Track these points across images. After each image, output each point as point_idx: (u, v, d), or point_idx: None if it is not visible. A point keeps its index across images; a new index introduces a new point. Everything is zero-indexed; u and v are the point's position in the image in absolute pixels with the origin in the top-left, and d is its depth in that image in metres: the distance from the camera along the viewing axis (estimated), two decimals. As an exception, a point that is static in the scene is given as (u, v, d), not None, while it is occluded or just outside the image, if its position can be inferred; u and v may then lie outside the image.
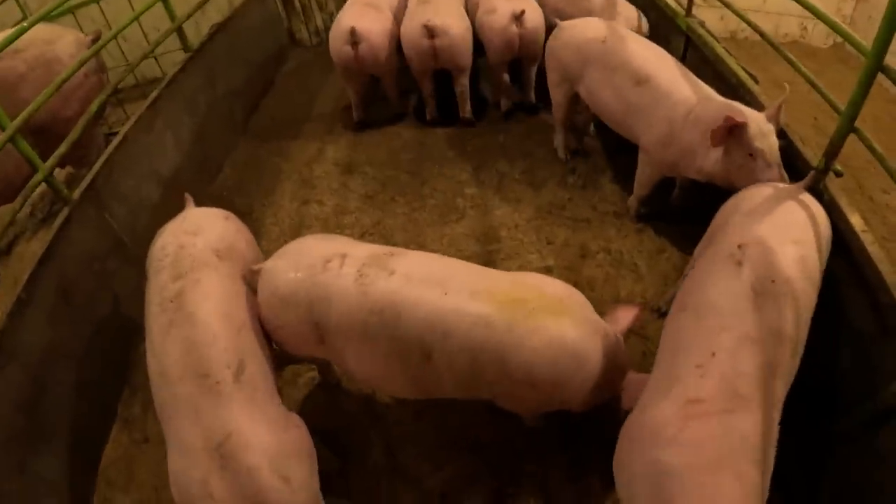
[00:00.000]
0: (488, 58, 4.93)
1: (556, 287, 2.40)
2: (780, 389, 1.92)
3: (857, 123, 2.47)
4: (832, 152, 2.60)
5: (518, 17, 4.55)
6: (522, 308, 2.22)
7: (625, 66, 3.64)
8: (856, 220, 2.42)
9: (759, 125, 2.84)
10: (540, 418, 2.78)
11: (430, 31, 4.52)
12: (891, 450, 2.09)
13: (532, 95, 5.22)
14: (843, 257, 2.38)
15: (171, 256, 2.46)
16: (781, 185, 2.64)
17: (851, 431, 2.29)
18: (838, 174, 2.65)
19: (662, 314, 3.27)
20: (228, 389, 2.09)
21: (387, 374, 2.40)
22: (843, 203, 2.53)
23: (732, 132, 2.85)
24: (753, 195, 2.57)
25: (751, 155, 2.85)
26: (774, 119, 2.88)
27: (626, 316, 2.50)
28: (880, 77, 2.29)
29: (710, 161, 3.11)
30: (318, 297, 2.31)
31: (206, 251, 2.47)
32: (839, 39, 2.41)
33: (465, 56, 4.75)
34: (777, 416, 1.88)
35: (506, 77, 5.12)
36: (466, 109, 5.10)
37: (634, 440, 1.92)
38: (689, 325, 2.09)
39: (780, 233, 2.24)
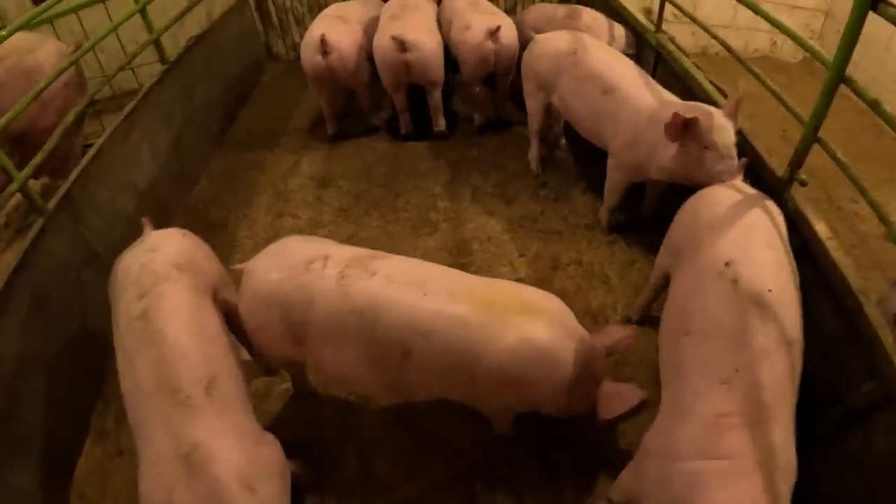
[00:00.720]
0: (462, 73, 5.02)
1: (533, 293, 2.50)
2: (795, 393, 2.00)
3: (829, 136, 2.57)
4: (796, 162, 2.72)
5: (493, 34, 4.65)
6: (499, 309, 2.31)
7: (593, 77, 3.81)
8: (820, 228, 2.51)
9: (716, 119, 2.95)
10: (511, 425, 2.84)
11: (402, 45, 4.59)
12: (862, 452, 2.16)
13: (505, 110, 5.33)
14: (810, 264, 2.46)
15: (133, 276, 2.47)
16: (734, 188, 2.70)
17: (823, 435, 2.36)
18: (803, 184, 2.75)
19: (632, 322, 3.39)
20: (199, 403, 2.08)
21: (365, 375, 2.45)
22: (808, 211, 2.61)
23: (687, 127, 2.98)
24: (709, 202, 2.65)
25: (706, 147, 2.97)
26: (732, 115, 2.99)
27: (617, 333, 2.53)
28: (850, 91, 2.40)
29: (668, 157, 3.25)
30: (301, 297, 2.37)
31: (166, 265, 2.49)
32: (808, 54, 2.54)
33: (437, 71, 4.84)
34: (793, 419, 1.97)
35: (481, 91, 5.20)
36: (440, 123, 5.18)
37: (665, 456, 1.96)
38: (700, 347, 2.12)
39: (756, 240, 2.33)
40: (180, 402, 2.07)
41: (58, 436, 2.98)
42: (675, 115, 2.92)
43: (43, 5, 3.56)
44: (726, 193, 2.64)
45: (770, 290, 2.11)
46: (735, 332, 2.05)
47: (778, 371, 1.95)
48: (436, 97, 5.01)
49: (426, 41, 4.71)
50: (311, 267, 2.41)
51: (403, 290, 2.33)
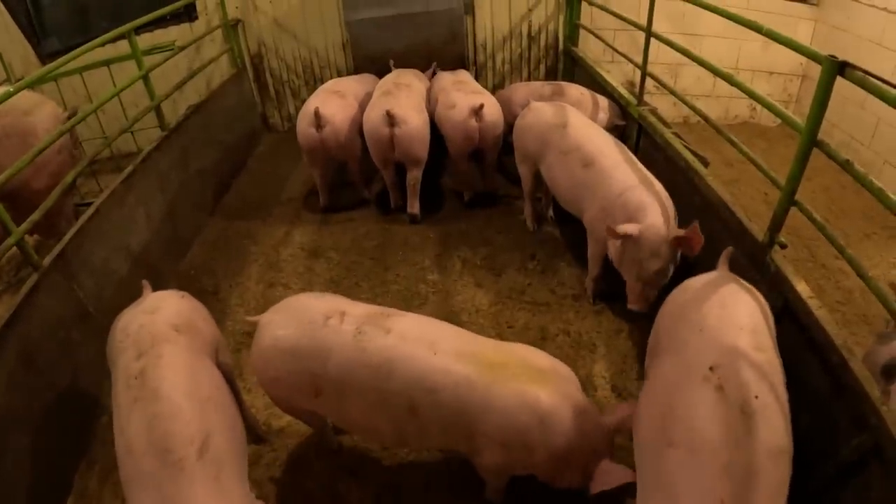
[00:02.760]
0: (449, 150, 5.18)
1: (541, 358, 2.58)
2: (785, 498, 1.95)
3: (809, 195, 2.70)
4: (775, 226, 2.82)
5: (477, 112, 4.84)
6: (504, 372, 2.40)
7: (576, 150, 4.01)
8: (802, 288, 2.59)
9: (654, 246, 3.25)
10: (501, 492, 2.81)
11: (391, 119, 4.73)
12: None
13: (493, 184, 5.50)
14: (794, 324, 2.53)
15: (132, 336, 2.50)
16: (719, 280, 2.64)
17: (817, 490, 2.36)
18: (783, 246, 2.85)
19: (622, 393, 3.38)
20: (191, 466, 2.05)
21: (374, 424, 2.56)
22: (789, 272, 2.70)
23: (624, 239, 3.24)
24: (692, 298, 2.57)
25: (638, 263, 3.26)
26: (673, 249, 3.26)
27: (625, 411, 2.51)
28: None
29: (612, 246, 3.47)
30: (319, 349, 2.47)
31: (164, 327, 2.52)
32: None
33: (421, 147, 4.96)
34: None
35: (468, 168, 5.33)
36: (414, 206, 5.20)
37: None
38: (687, 464, 1.98)
39: (742, 344, 2.22)
40: (171, 463, 2.04)
41: (39, 494, 2.91)
42: (609, 229, 3.19)
43: (53, 63, 3.70)
44: (711, 287, 2.56)
45: (757, 397, 2.01)
46: (722, 448, 1.92)
47: (770, 486, 1.89)
48: (415, 176, 5.07)
49: (413, 118, 4.85)
50: (328, 322, 2.51)
51: (416, 348, 2.44)
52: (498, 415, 2.33)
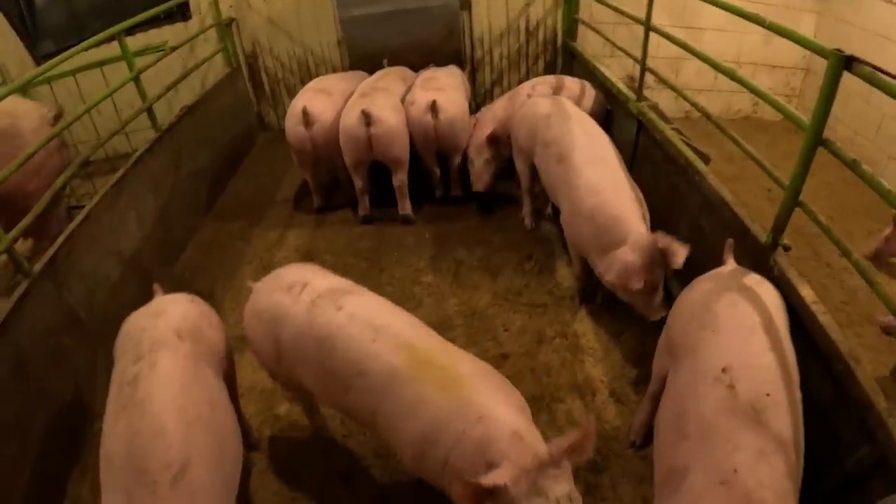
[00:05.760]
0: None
1: (471, 366, 2.36)
2: (797, 495, 1.94)
3: (811, 192, 2.60)
4: (779, 228, 2.73)
5: (431, 108, 4.80)
6: (426, 372, 2.27)
7: (554, 144, 3.97)
8: (806, 293, 2.51)
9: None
10: None
11: (367, 118, 4.65)
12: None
13: (456, 188, 5.47)
14: (798, 330, 2.43)
15: (133, 339, 2.44)
16: (730, 276, 2.64)
17: (821, 501, 2.31)
18: (786, 248, 2.76)
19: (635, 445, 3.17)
20: (162, 492, 1.96)
21: (325, 397, 2.64)
22: (793, 276, 2.62)
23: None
24: (704, 298, 2.55)
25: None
26: (656, 257, 3.20)
27: (572, 437, 2.16)
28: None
29: (599, 264, 3.45)
30: (277, 316, 2.61)
31: (166, 332, 2.45)
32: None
33: (400, 147, 4.89)
34: None
35: (435, 168, 5.32)
36: (405, 206, 5.16)
37: None
38: (697, 449, 2.04)
39: (755, 345, 2.23)
40: (144, 484, 1.97)
41: (32, 502, 2.88)
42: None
43: (42, 66, 3.65)
44: (721, 285, 2.55)
45: (768, 395, 2.05)
46: (732, 433, 1.98)
47: (778, 471, 1.89)
48: (400, 179, 5.03)
49: (389, 117, 4.77)
50: (291, 291, 2.64)
51: (360, 332, 2.42)
52: (396, 412, 2.27)
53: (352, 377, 2.37)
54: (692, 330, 2.43)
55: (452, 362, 2.33)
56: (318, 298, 2.56)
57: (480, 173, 5.07)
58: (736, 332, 2.29)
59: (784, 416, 2.02)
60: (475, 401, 2.17)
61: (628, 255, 3.26)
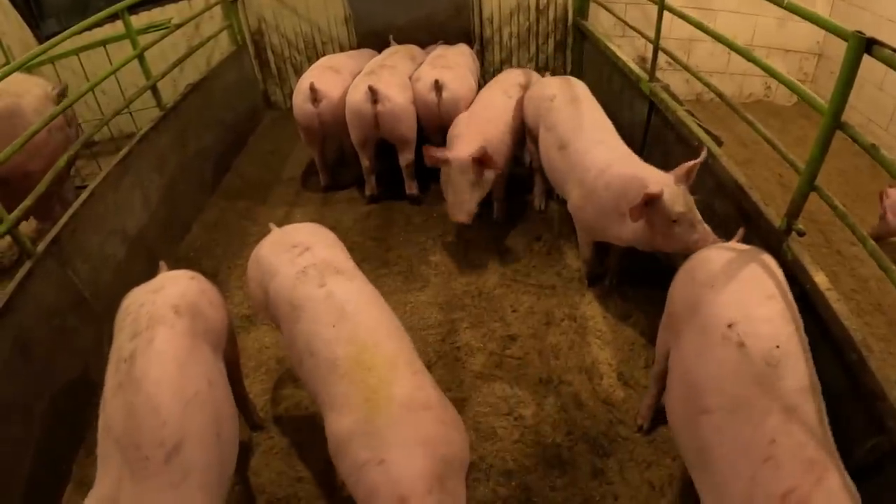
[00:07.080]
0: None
1: (408, 387, 2.18)
2: (828, 428, 1.93)
3: (824, 177, 2.55)
4: (793, 212, 2.68)
5: (436, 85, 4.73)
6: (361, 376, 2.18)
7: (555, 128, 3.91)
8: (820, 279, 2.47)
9: (671, 191, 2.99)
10: None
11: (374, 95, 4.58)
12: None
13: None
14: (810, 316, 2.38)
15: (132, 315, 2.41)
16: (726, 248, 2.63)
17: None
18: (801, 234, 2.70)
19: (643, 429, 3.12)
20: (155, 468, 1.96)
21: (290, 360, 2.72)
22: (807, 262, 2.57)
23: (649, 204, 2.99)
24: (703, 263, 2.54)
25: (674, 221, 3.00)
26: (683, 180, 3.04)
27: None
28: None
29: (627, 230, 3.28)
30: (270, 269, 2.73)
31: (164, 307, 2.41)
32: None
33: (407, 126, 4.82)
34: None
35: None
36: (412, 186, 5.13)
37: None
38: (726, 427, 2.00)
39: (755, 295, 2.25)
40: (137, 459, 1.96)
41: (37, 483, 2.89)
42: (633, 210, 3.02)
43: (44, 45, 3.61)
44: (719, 253, 2.55)
45: (778, 347, 2.03)
46: (755, 400, 1.94)
47: (810, 419, 1.88)
48: (406, 159, 4.98)
49: (396, 95, 4.71)
50: (292, 250, 2.75)
51: (326, 313, 2.41)
52: (330, 406, 2.21)
53: (304, 353, 2.40)
54: (693, 291, 2.44)
55: (391, 380, 2.16)
56: (309, 267, 2.61)
57: (462, 199, 4.08)
58: (737, 286, 2.31)
59: (797, 363, 2.02)
60: (386, 438, 2.00)
61: (664, 186, 3.06)
